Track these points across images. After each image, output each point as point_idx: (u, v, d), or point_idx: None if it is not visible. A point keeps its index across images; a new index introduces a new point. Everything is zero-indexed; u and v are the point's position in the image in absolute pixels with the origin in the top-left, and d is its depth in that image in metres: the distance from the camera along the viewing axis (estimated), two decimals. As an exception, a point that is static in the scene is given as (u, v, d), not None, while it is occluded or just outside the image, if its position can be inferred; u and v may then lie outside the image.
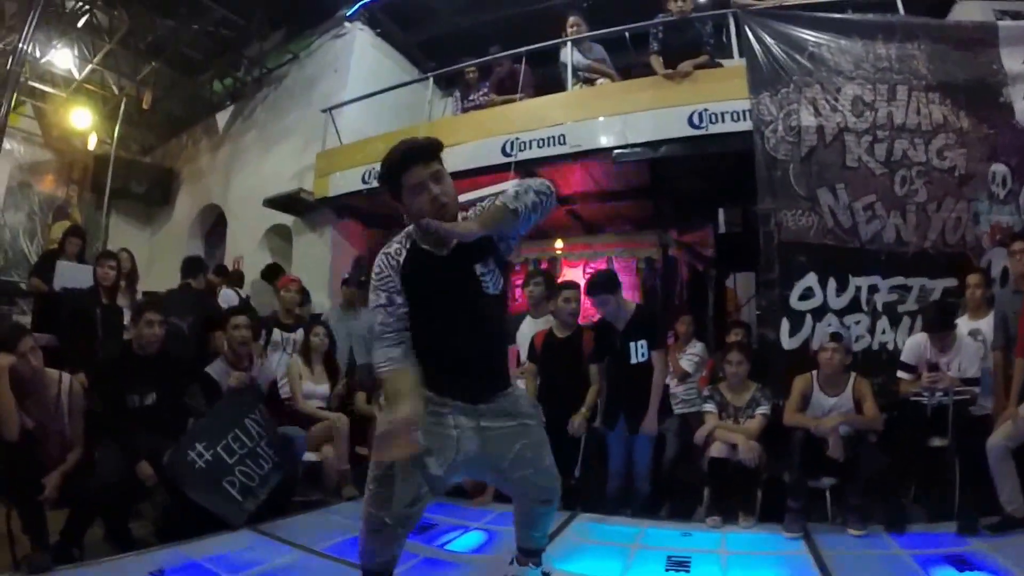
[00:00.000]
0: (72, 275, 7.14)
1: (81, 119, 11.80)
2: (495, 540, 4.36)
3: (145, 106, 11.96)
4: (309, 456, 5.60)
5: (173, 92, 12.45)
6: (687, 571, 3.83)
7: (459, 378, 2.83)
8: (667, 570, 3.85)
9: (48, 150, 12.82)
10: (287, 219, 10.65)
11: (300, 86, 11.49)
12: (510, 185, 2.78)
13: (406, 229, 2.88)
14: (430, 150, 2.76)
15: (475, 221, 2.66)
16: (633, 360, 5.33)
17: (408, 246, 2.81)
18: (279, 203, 10.13)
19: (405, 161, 2.72)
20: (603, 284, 5.52)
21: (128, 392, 4.75)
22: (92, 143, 12.26)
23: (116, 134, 12.01)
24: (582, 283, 6.18)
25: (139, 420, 4.67)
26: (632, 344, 5.34)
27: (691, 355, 6.33)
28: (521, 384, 5.61)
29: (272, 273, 8.88)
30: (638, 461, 5.38)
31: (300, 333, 6.64)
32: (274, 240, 11.22)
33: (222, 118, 12.91)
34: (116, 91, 12.06)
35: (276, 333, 6.75)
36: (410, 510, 2.74)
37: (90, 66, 11.42)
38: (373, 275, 2.83)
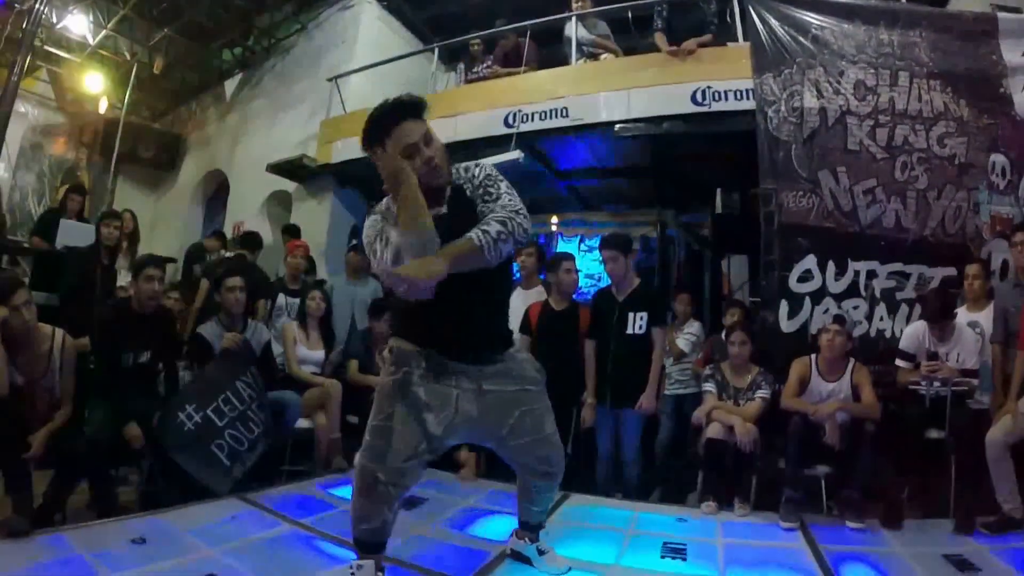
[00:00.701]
0: (74, 233, 7.04)
1: (94, 83, 11.62)
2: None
3: (156, 71, 11.83)
4: (301, 423, 5.39)
5: (184, 59, 12.29)
6: (683, 559, 3.64)
7: (459, 339, 2.78)
8: (663, 557, 3.66)
9: (61, 113, 12.79)
10: (288, 186, 10.52)
11: (308, 56, 11.32)
12: (496, 221, 2.56)
13: (385, 202, 2.75)
14: (421, 106, 2.69)
15: (442, 256, 2.45)
16: (629, 330, 5.15)
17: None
18: (282, 169, 9.97)
19: (397, 113, 2.61)
20: (616, 240, 5.40)
21: (123, 350, 4.55)
22: (103, 107, 12.09)
23: (127, 99, 11.79)
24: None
25: (132, 379, 4.53)
26: (631, 314, 5.17)
27: (688, 334, 6.14)
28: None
29: (291, 234, 8.61)
30: (626, 443, 5.17)
31: (307, 299, 6.53)
32: (274, 207, 11.11)
33: (230, 86, 12.76)
34: (128, 57, 11.88)
35: (281, 298, 6.62)
36: (404, 466, 2.66)
37: (104, 31, 11.24)
38: (366, 240, 2.73)
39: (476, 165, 2.86)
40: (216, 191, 12.79)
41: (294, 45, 11.71)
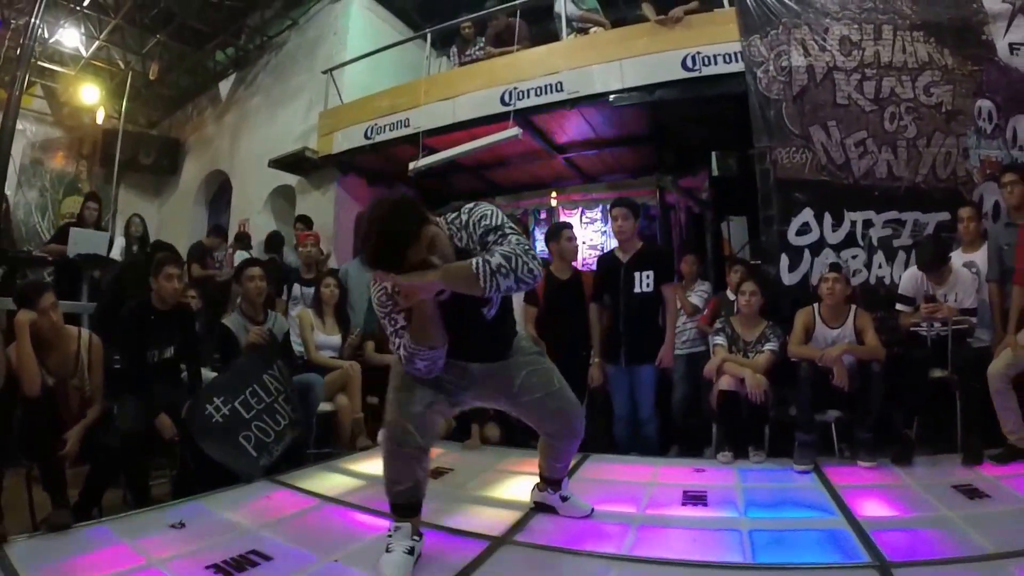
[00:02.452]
0: (87, 241, 7.11)
1: (89, 95, 11.65)
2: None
3: (152, 77, 11.91)
4: (324, 406, 5.47)
5: (178, 64, 12.39)
6: (704, 504, 3.75)
7: (465, 353, 2.98)
8: (684, 504, 3.77)
9: (58, 127, 12.95)
10: (291, 180, 10.61)
11: (301, 51, 11.40)
12: (500, 255, 2.62)
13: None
14: (411, 234, 2.56)
15: (439, 271, 2.58)
16: (637, 289, 5.29)
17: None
18: (284, 163, 10.05)
19: (399, 247, 2.55)
20: (628, 201, 5.63)
21: (148, 347, 4.62)
22: (100, 118, 12.12)
23: (124, 108, 11.83)
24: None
25: (157, 374, 4.58)
26: (637, 273, 5.29)
27: (701, 291, 6.28)
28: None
29: (303, 223, 8.72)
30: (642, 401, 5.30)
31: (320, 287, 6.60)
32: (278, 201, 11.19)
33: (224, 87, 12.82)
34: (122, 66, 11.99)
35: (296, 288, 6.75)
36: (425, 411, 2.86)
37: (97, 42, 11.37)
38: (376, 306, 2.88)
39: (465, 215, 2.81)
40: (218, 191, 12.89)
41: (286, 41, 11.78)
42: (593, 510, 3.54)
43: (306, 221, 8.62)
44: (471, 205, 2.84)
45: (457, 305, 2.75)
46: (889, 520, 3.39)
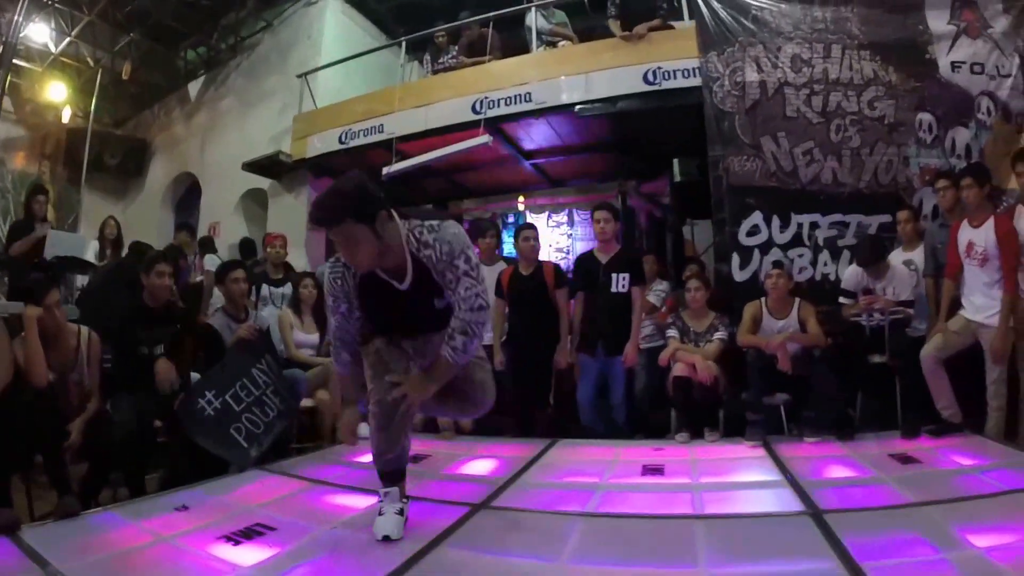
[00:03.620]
0: (63, 244, 7.12)
1: (56, 92, 11.56)
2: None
3: (125, 76, 11.78)
4: (305, 402, 5.63)
5: (148, 62, 12.27)
6: (661, 474, 4.12)
7: (396, 328, 3.24)
8: (643, 475, 4.13)
9: (21, 126, 12.34)
10: (262, 183, 10.69)
11: (275, 53, 11.46)
12: (458, 332, 2.97)
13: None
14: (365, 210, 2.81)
15: (432, 379, 3.05)
16: (614, 289, 5.66)
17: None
18: (258, 166, 10.19)
19: (339, 214, 2.80)
20: (612, 206, 6.20)
21: (139, 344, 4.69)
22: (67, 116, 11.97)
23: (93, 106, 11.80)
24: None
25: (149, 371, 4.61)
26: (615, 275, 5.67)
27: (658, 291, 6.60)
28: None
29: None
30: (614, 388, 5.68)
31: (289, 287, 6.76)
32: (249, 205, 11.24)
33: (194, 88, 12.77)
34: (92, 63, 11.82)
35: (265, 288, 6.84)
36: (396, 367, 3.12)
37: (68, 39, 11.22)
38: (327, 288, 3.16)
39: (432, 234, 2.94)
40: (186, 193, 12.83)
41: (260, 43, 11.79)
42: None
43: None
44: (436, 223, 2.98)
45: (414, 296, 3.04)
46: (827, 480, 3.84)
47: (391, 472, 3.26)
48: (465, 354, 3.00)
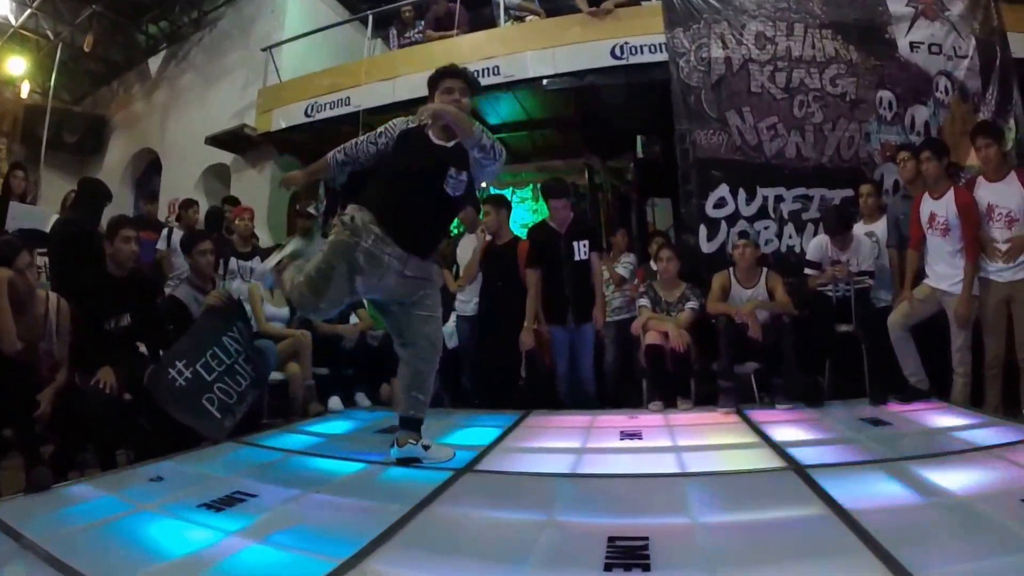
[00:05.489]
0: (26, 217, 7.01)
1: (15, 67, 11.31)
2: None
3: (87, 48, 11.51)
4: (275, 376, 5.50)
5: (109, 37, 12.01)
6: (640, 438, 4.12)
7: (405, 232, 3.46)
8: (621, 439, 4.13)
9: None
10: (226, 158, 10.57)
11: (237, 27, 11.29)
12: (488, 136, 3.53)
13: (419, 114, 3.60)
14: (471, 79, 3.77)
15: (468, 120, 3.50)
16: (576, 257, 5.63)
17: (415, 124, 3.61)
18: (221, 140, 10.06)
19: (446, 74, 3.65)
20: (562, 188, 5.96)
21: (105, 315, 4.52)
22: (25, 92, 11.73)
23: (53, 82, 11.52)
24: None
25: (116, 342, 4.51)
26: (576, 243, 5.64)
27: (626, 263, 6.63)
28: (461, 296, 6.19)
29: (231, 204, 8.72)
30: (583, 357, 5.67)
31: (256, 261, 6.60)
32: (211, 181, 11.10)
33: (154, 63, 12.56)
34: (52, 37, 11.56)
35: (232, 262, 6.70)
36: (329, 308, 3.60)
37: (28, 11, 10.97)
38: (385, 126, 3.66)
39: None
40: (146, 170, 12.61)
41: (222, 17, 11.61)
42: (455, 453, 3.75)
43: (232, 201, 8.59)
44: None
45: (428, 172, 3.49)
46: (803, 441, 3.88)
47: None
48: (485, 136, 3.51)
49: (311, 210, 7.07)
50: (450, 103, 3.51)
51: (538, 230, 5.98)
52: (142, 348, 4.87)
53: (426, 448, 3.66)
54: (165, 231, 7.59)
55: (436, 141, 3.55)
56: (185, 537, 2.52)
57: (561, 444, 4.08)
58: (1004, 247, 4.61)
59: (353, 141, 3.71)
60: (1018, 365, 4.53)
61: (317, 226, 7.00)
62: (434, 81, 3.67)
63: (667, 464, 3.47)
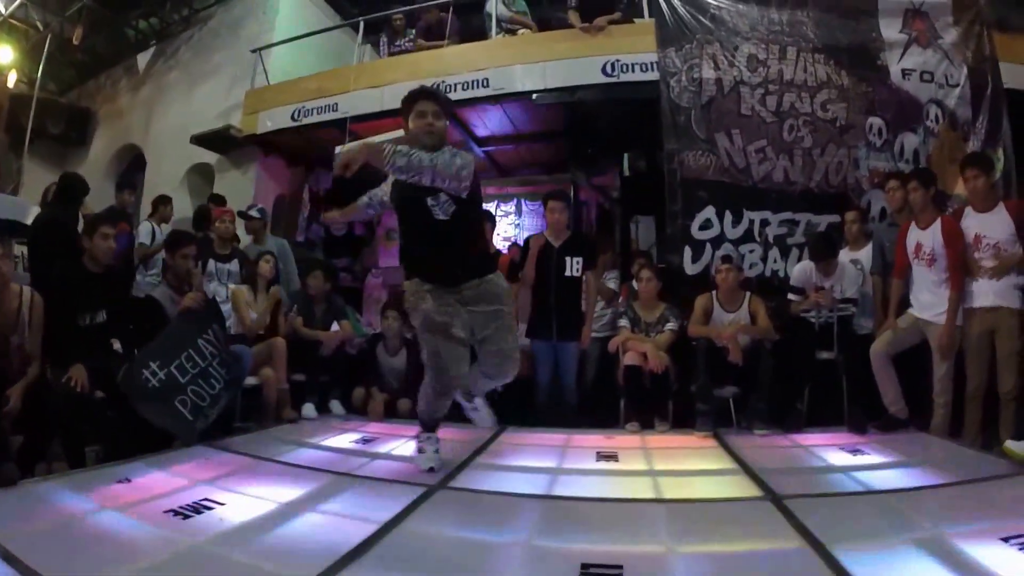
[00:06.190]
0: (6, 207, 7.01)
1: (2, 56, 11.20)
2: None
3: (76, 41, 11.40)
4: (248, 380, 5.46)
5: (98, 30, 11.90)
6: (616, 460, 4.10)
7: (434, 272, 3.62)
8: (597, 460, 4.11)
9: None
10: (210, 158, 10.42)
11: (227, 27, 11.20)
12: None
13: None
14: (443, 100, 3.74)
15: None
16: (568, 273, 5.62)
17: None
18: (206, 140, 9.92)
19: (419, 96, 3.59)
20: (564, 194, 6.17)
21: (79, 310, 4.51)
22: (11, 82, 11.60)
23: (40, 72, 11.40)
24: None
25: (89, 338, 4.49)
26: (568, 259, 5.63)
27: (612, 278, 6.66)
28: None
29: (216, 203, 8.65)
30: (566, 370, 5.65)
31: (235, 264, 6.59)
32: (195, 179, 10.94)
33: (143, 59, 12.42)
34: (41, 27, 11.48)
35: (211, 263, 6.63)
36: (459, 369, 3.64)
37: (18, 0, 10.92)
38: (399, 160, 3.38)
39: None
40: (129, 166, 12.41)
41: (212, 16, 11.51)
42: (498, 424, 4.37)
43: (218, 200, 8.53)
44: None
45: (414, 208, 3.55)
46: (780, 469, 3.84)
47: (430, 423, 3.95)
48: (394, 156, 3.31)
49: (253, 213, 7.19)
50: (423, 127, 3.53)
51: (534, 239, 5.94)
52: (117, 345, 4.85)
53: (475, 410, 4.18)
54: (151, 227, 7.53)
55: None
56: (149, 545, 2.48)
57: (537, 463, 4.06)
58: (991, 263, 4.61)
59: (379, 189, 3.92)
60: (999, 397, 4.52)
61: (264, 228, 7.31)
62: (406, 104, 3.63)
63: (643, 489, 3.45)
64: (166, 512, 2.85)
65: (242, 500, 3.11)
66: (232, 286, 6.31)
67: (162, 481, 3.46)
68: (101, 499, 3.06)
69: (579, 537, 2.67)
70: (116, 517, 2.79)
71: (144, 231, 7.53)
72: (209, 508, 2.94)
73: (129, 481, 3.40)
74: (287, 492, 3.29)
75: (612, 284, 6.60)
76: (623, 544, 2.57)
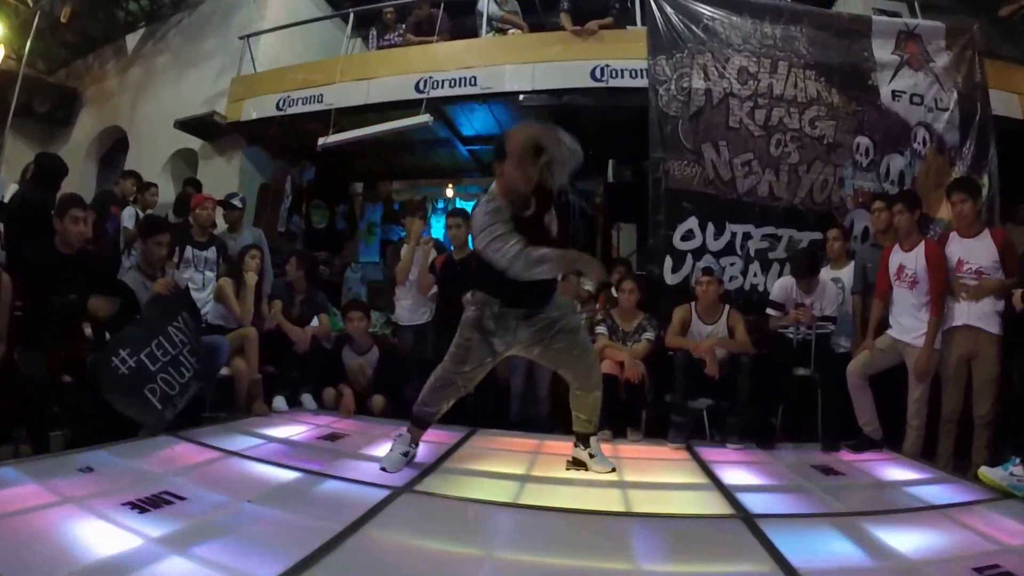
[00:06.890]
0: None
1: None
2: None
3: (64, 20, 11.23)
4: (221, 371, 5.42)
5: (88, 9, 11.67)
6: (586, 468, 4.01)
7: (517, 295, 3.63)
8: (567, 468, 4.04)
9: None
10: (194, 143, 10.32)
11: (217, 13, 11.06)
12: None
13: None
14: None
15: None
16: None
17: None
18: (190, 125, 9.81)
19: (541, 149, 3.47)
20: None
21: (51, 292, 4.37)
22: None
23: (27, 49, 11.07)
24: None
25: (61, 320, 4.40)
26: None
27: (591, 284, 6.56)
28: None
29: (194, 188, 8.54)
30: (540, 379, 5.65)
31: (213, 252, 6.51)
32: (179, 165, 10.81)
33: (131, 40, 12.24)
34: (31, 3, 11.18)
35: (188, 250, 6.53)
36: (475, 372, 3.78)
37: None
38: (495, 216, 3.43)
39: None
40: (112, 148, 12.27)
41: (203, 1, 11.36)
42: (615, 468, 3.97)
43: (195, 184, 8.48)
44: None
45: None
46: (752, 486, 3.79)
47: (422, 420, 3.94)
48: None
49: (236, 202, 7.15)
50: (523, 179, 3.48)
51: None
52: (87, 331, 4.72)
53: (592, 456, 4.05)
54: (135, 212, 7.44)
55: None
56: (104, 539, 2.38)
57: (506, 469, 3.97)
58: (972, 282, 4.60)
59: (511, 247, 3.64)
60: (973, 421, 4.52)
61: (244, 217, 7.28)
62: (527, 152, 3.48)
63: (613, 501, 3.38)
64: (124, 504, 2.75)
65: (202, 495, 3.02)
66: (220, 281, 6.25)
67: (124, 472, 3.36)
68: (61, 488, 2.95)
69: (545, 550, 2.60)
70: (72, 510, 2.68)
71: (127, 215, 7.41)
72: (169, 502, 2.85)
73: (91, 470, 3.30)
74: (249, 489, 3.19)
75: (592, 286, 6.54)
76: (590, 559, 2.50)
